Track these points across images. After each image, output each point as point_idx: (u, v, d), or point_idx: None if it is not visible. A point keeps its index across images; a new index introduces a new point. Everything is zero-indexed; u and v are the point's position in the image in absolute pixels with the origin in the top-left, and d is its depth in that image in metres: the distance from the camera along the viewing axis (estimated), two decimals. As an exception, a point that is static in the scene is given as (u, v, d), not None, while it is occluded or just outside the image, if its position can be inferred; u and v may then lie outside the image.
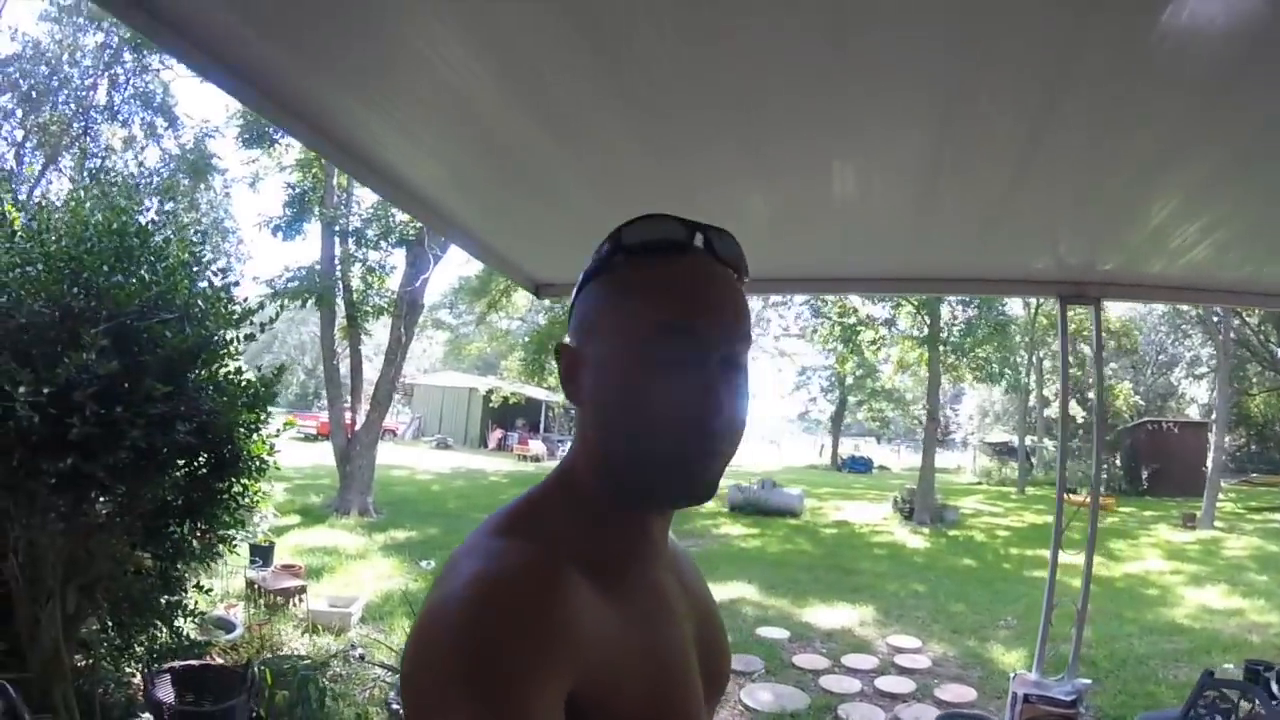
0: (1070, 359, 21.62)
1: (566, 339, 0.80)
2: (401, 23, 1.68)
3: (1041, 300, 17.37)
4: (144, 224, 3.26)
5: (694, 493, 0.73)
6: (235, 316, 3.51)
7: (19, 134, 14.33)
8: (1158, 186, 2.35)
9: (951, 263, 3.70)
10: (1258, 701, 2.91)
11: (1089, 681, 3.95)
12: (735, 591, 8.22)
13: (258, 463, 3.65)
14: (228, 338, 3.54)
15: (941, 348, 14.97)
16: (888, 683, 5.44)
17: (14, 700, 1.85)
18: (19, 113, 14.08)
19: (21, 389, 2.69)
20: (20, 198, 3.98)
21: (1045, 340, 21.37)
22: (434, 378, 34.22)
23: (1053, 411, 24.30)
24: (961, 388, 31.00)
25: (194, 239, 3.56)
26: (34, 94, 14.05)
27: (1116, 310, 21.33)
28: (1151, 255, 3.19)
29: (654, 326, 0.71)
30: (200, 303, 3.38)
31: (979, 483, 26.97)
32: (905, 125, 2.06)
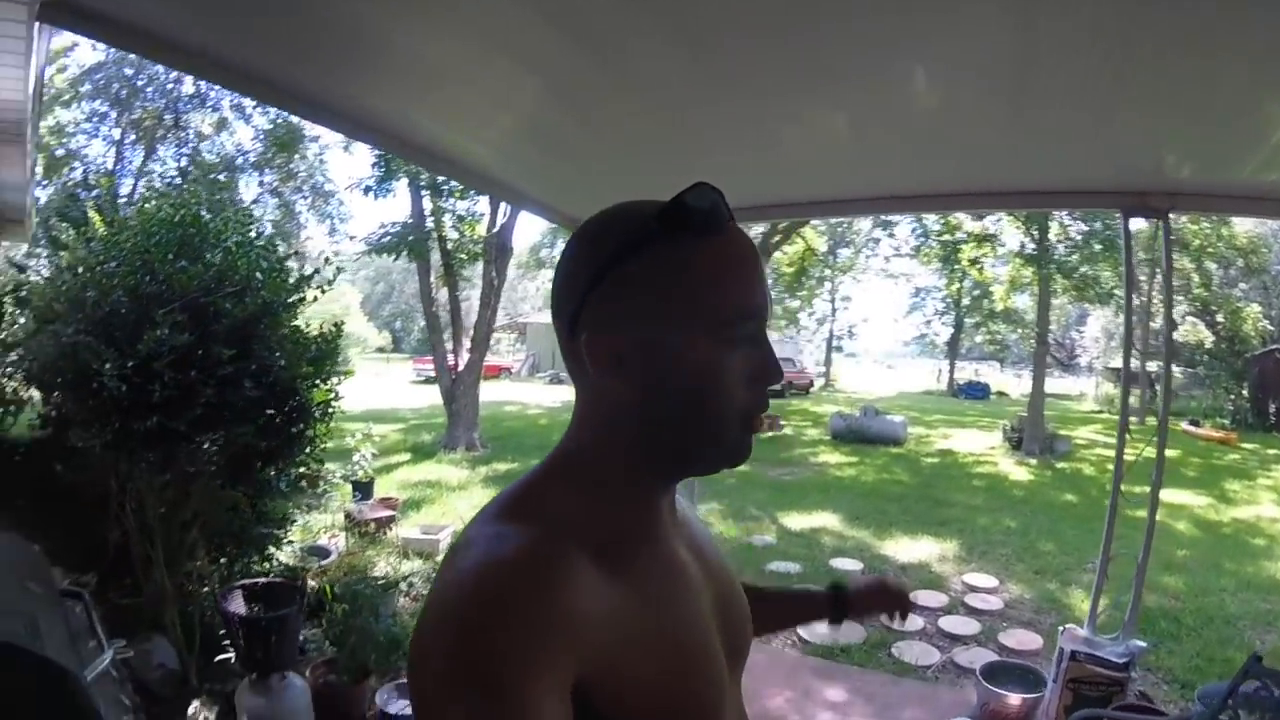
0: (1195, 276, 19.76)
1: (594, 328, 0.73)
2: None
3: (1173, 215, 15.70)
4: (197, 214, 3.62)
5: (745, 456, 0.77)
6: (290, 284, 3.85)
7: (115, 132, 15.45)
8: (1254, 74, 2.09)
9: (997, 175, 3.49)
10: None
11: (1143, 644, 3.69)
12: (818, 521, 8.28)
13: (323, 408, 4.00)
14: (288, 302, 3.89)
15: (1051, 266, 14.01)
16: (952, 623, 5.40)
17: (90, 610, 2.24)
18: (113, 114, 15.12)
19: (108, 365, 3.13)
20: (126, 191, 4.49)
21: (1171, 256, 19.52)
22: (545, 315, 35.18)
23: (1181, 335, 22.31)
24: (1085, 309, 29.00)
25: (242, 218, 3.90)
26: (122, 95, 15.06)
27: (1243, 225, 19.00)
28: (1233, 159, 2.89)
29: (735, 310, 0.72)
30: (258, 275, 3.75)
31: (1099, 411, 25.38)
32: (968, 35, 2.00)
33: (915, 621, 5.40)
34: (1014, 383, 34.50)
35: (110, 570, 3.73)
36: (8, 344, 4.29)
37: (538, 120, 2.90)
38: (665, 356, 0.72)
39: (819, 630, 5.15)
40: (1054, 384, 33.02)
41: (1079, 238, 14.30)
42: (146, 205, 3.79)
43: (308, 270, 4.03)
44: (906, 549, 7.37)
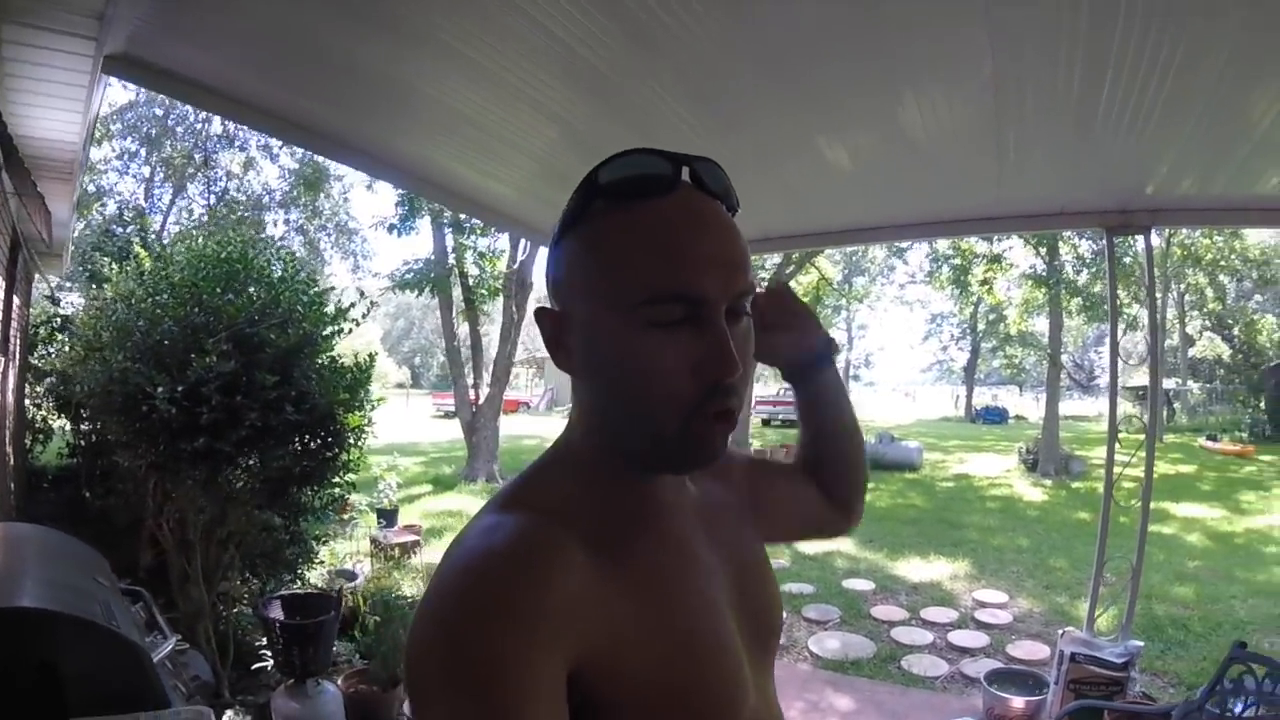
0: (1209, 290, 19.58)
1: (544, 303, 0.74)
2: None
3: (1173, 230, 15.84)
4: (244, 250, 3.93)
5: (708, 458, 0.70)
6: (329, 317, 4.13)
7: (145, 170, 16.05)
8: (1225, 91, 2.24)
9: (983, 201, 3.67)
10: None
11: (1140, 644, 3.83)
12: (830, 545, 8.35)
13: (357, 433, 4.25)
14: (325, 333, 4.16)
15: (1061, 286, 14.14)
16: (961, 636, 5.51)
17: (151, 608, 2.47)
18: (142, 153, 15.73)
19: (160, 389, 3.40)
20: (154, 227, 4.84)
21: (1184, 273, 19.62)
22: (561, 348, 35.59)
23: (1197, 351, 22.21)
24: (1103, 329, 28.91)
25: (287, 256, 4.20)
26: (152, 134, 15.67)
27: (1255, 237, 19.07)
28: (1209, 173, 3.06)
29: (647, 286, 0.64)
30: (299, 308, 4.03)
31: (1120, 431, 25.20)
32: (955, 62, 2.18)
33: (926, 636, 5.53)
34: (1032, 406, 34.27)
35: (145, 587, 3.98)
36: (41, 371, 4.58)
37: (553, 161, 3.17)
38: (590, 337, 0.69)
39: (829, 645, 5.29)
40: (1073, 405, 32.76)
41: (1089, 256, 14.43)
42: (192, 241, 4.09)
43: (343, 304, 4.30)
44: (919, 569, 7.47)
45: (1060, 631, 3.91)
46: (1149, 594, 5.62)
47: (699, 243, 0.66)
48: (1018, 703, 3.89)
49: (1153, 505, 3.84)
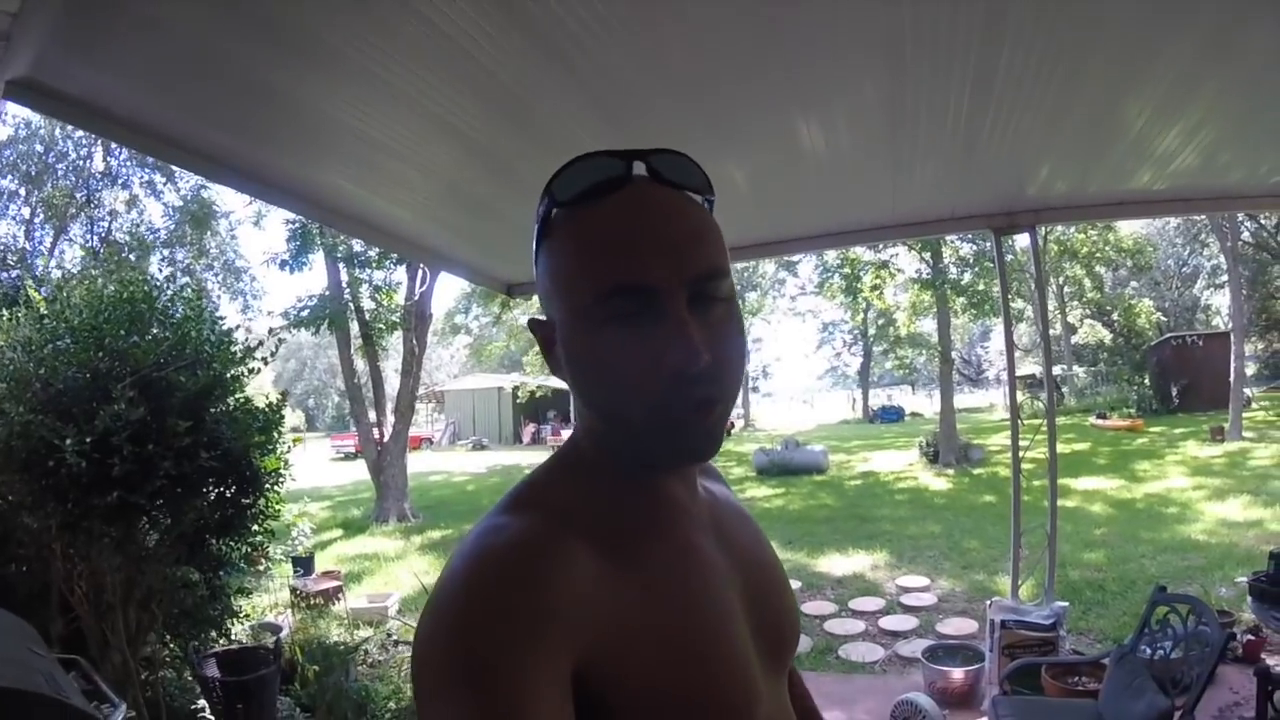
0: (1087, 281, 21.30)
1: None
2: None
3: (1049, 228, 17.19)
4: (148, 291, 3.70)
5: (693, 451, 0.69)
6: (238, 356, 3.94)
7: (25, 211, 14.93)
8: (1098, 97, 2.45)
9: (878, 211, 3.87)
10: (1203, 617, 2.87)
11: (1065, 604, 4.10)
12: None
13: (274, 477, 4.05)
14: (233, 374, 3.96)
15: (946, 287, 15.04)
16: (891, 621, 5.74)
17: (91, 675, 2.26)
18: (22, 192, 14.66)
19: (68, 441, 3.14)
20: (37, 272, 4.48)
21: (1061, 266, 21.23)
22: (461, 382, 34.98)
23: (1079, 338, 24.10)
24: (987, 325, 30.95)
25: (192, 295, 3.99)
26: (33, 172, 14.64)
27: (1129, 228, 20.96)
28: (1086, 174, 3.33)
29: (594, 287, 0.64)
30: (207, 348, 3.82)
31: (1010, 419, 26.93)
32: (848, 82, 2.29)
33: (858, 625, 5.72)
34: (927, 403, 36.08)
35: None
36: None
37: (463, 185, 3.14)
38: (563, 341, 0.70)
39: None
40: (965, 399, 34.68)
41: (970, 257, 15.39)
42: (91, 282, 3.81)
43: (250, 343, 4.11)
44: (840, 564, 7.72)
45: (988, 602, 4.14)
46: (1063, 562, 5.98)
47: (644, 231, 0.65)
48: (957, 674, 4.08)
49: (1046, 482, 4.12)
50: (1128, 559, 7.00)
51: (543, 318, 0.74)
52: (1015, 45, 2.09)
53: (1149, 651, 2.99)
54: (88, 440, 3.13)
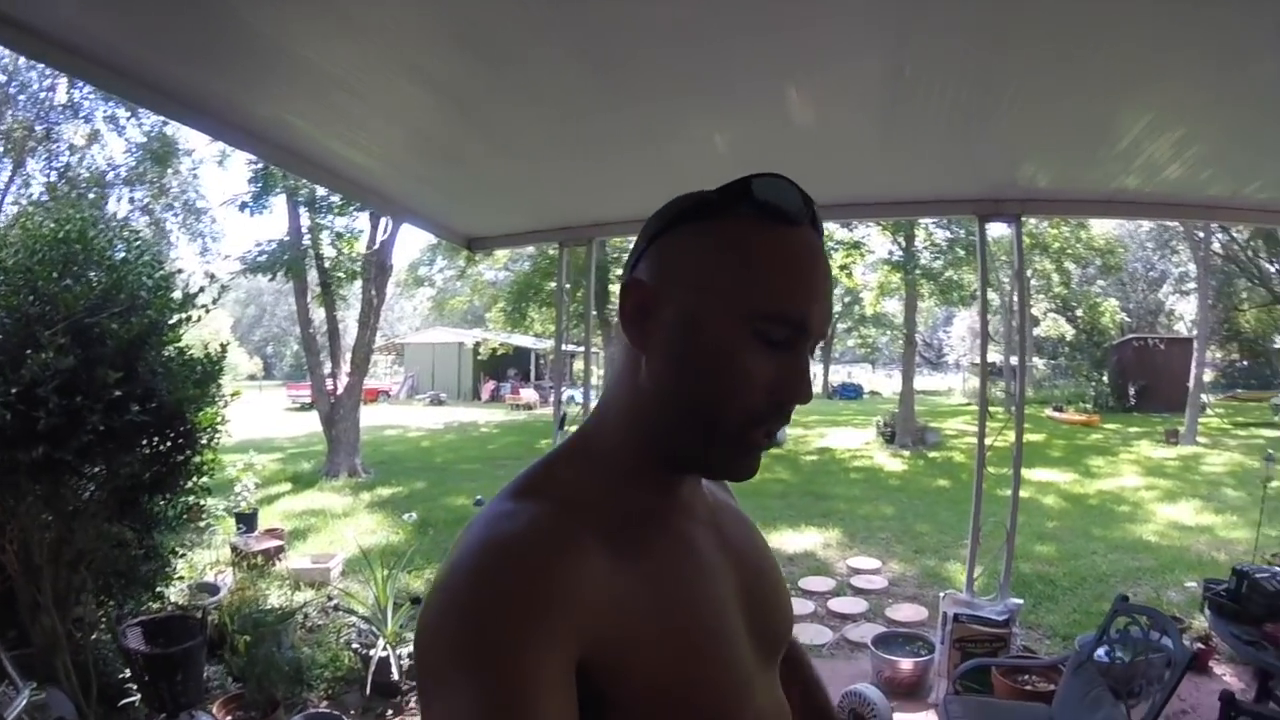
0: (1055, 276, 21.58)
1: (638, 275, 0.74)
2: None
3: (1024, 219, 17.23)
4: (82, 230, 3.43)
5: (742, 469, 0.73)
6: (177, 303, 3.69)
7: None
8: (1096, 94, 2.38)
9: (862, 186, 3.79)
10: (1166, 631, 2.81)
11: (1020, 601, 4.09)
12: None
13: (209, 432, 3.84)
14: (171, 322, 3.72)
15: (917, 271, 15.08)
16: (841, 604, 5.70)
17: (3, 664, 2.09)
18: None
19: (-9, 392, 2.91)
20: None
21: (1031, 259, 21.43)
22: (422, 335, 34.43)
23: (1043, 330, 24.49)
24: (950, 311, 31.28)
25: (129, 237, 3.72)
26: None
27: (1101, 227, 21.22)
28: (1077, 169, 3.27)
29: (762, 301, 0.69)
30: (144, 293, 3.57)
31: (968, 403, 27.36)
32: (847, 49, 2.18)
33: (807, 606, 5.69)
34: (886, 382, 36.55)
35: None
36: None
37: (429, 131, 2.94)
38: (689, 325, 0.70)
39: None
40: (924, 381, 35.17)
41: (944, 244, 15.41)
42: (28, 220, 3.52)
43: (192, 289, 3.85)
44: (792, 540, 7.71)
45: (942, 594, 4.10)
46: (1015, 554, 6.02)
47: (818, 279, 0.72)
48: (906, 664, 4.07)
49: (1005, 471, 4.08)
50: (1079, 554, 7.04)
51: (643, 279, 0.73)
52: (1021, 35, 2.01)
53: (1108, 659, 2.96)
54: (13, 391, 2.90)
